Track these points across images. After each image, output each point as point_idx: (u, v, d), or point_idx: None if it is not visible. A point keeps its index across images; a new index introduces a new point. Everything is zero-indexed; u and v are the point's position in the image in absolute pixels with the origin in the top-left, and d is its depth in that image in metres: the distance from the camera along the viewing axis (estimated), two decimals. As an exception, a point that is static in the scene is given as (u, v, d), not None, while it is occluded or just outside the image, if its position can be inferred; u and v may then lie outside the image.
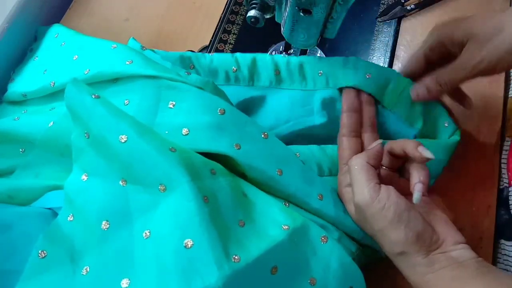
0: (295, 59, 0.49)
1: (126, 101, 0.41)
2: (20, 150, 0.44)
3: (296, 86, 0.49)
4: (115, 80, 0.43)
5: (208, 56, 0.50)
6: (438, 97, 0.46)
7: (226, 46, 0.57)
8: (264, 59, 0.49)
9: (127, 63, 0.42)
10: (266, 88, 0.49)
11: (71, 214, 0.37)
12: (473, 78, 0.42)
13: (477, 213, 0.47)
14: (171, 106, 0.40)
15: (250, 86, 0.49)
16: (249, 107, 0.49)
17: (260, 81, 0.49)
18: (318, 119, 0.47)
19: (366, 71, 0.47)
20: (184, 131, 0.39)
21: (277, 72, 0.49)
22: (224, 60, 0.49)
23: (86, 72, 0.43)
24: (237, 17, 0.59)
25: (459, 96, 0.48)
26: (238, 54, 0.50)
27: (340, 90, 0.48)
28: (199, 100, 0.41)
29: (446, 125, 0.47)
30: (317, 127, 0.47)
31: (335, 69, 0.48)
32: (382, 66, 0.50)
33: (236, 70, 0.49)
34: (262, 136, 0.41)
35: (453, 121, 0.47)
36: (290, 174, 0.40)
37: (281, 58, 0.49)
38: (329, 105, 0.48)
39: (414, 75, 0.47)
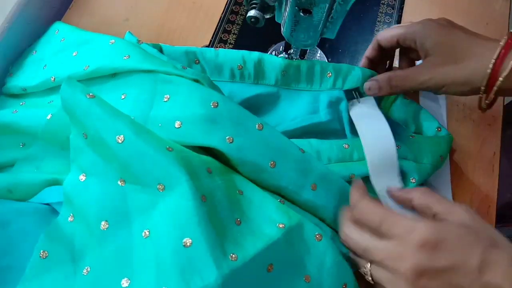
0: (305, 62, 0.49)
1: (123, 96, 0.42)
2: (20, 144, 0.44)
3: (302, 86, 0.50)
4: (114, 74, 0.43)
5: (214, 50, 0.50)
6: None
7: (226, 46, 0.57)
8: (272, 58, 0.49)
9: (125, 58, 0.42)
10: (271, 86, 0.49)
11: (71, 215, 0.37)
12: (422, 90, 0.46)
13: (477, 213, 0.47)
14: (165, 99, 0.40)
15: (255, 84, 0.49)
16: (254, 104, 0.49)
17: (265, 79, 0.50)
18: (324, 116, 0.48)
19: (371, 75, 0.49)
20: (177, 124, 0.39)
21: (284, 72, 0.49)
22: (230, 56, 0.49)
23: (85, 68, 0.43)
24: (237, 17, 0.59)
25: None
26: (244, 51, 0.49)
27: (345, 91, 0.49)
28: (193, 93, 0.41)
29: (438, 130, 0.48)
30: (323, 124, 0.48)
31: (342, 72, 0.49)
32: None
33: (241, 67, 0.49)
34: (257, 127, 0.40)
35: (445, 128, 0.48)
36: (283, 165, 0.40)
37: (291, 61, 0.49)
38: (334, 104, 0.49)
39: (371, 61, 0.50)
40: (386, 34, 0.48)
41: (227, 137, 0.39)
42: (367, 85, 0.47)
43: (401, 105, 0.50)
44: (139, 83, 0.42)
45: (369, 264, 0.36)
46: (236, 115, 0.40)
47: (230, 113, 0.40)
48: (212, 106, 0.39)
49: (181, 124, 0.39)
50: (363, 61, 0.50)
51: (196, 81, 0.42)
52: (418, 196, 0.38)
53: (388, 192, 0.41)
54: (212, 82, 0.45)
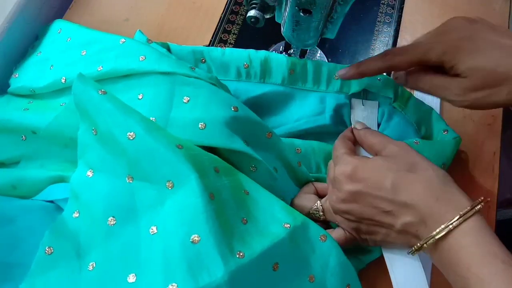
0: (311, 61, 0.49)
1: (140, 95, 0.42)
2: (22, 137, 0.44)
3: (309, 86, 0.49)
4: (127, 74, 0.43)
5: (220, 49, 0.50)
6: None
7: (226, 46, 0.57)
8: (279, 57, 0.49)
9: (141, 59, 0.42)
10: (278, 85, 0.49)
11: (77, 211, 0.37)
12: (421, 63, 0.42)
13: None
14: (185, 101, 0.41)
15: (261, 83, 0.49)
16: (260, 103, 0.49)
17: (272, 78, 0.49)
18: (329, 118, 0.48)
19: (377, 77, 0.49)
20: (201, 125, 0.39)
21: (292, 71, 0.49)
22: (236, 55, 0.50)
23: (99, 69, 0.43)
24: (237, 17, 0.59)
25: None
26: (251, 50, 0.50)
27: (353, 94, 0.49)
28: (214, 96, 0.41)
29: (445, 133, 0.47)
30: (327, 126, 0.48)
31: None
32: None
33: (248, 66, 0.49)
34: (267, 136, 0.42)
35: (452, 130, 0.47)
36: (281, 174, 0.42)
37: (298, 59, 0.49)
38: (341, 109, 0.49)
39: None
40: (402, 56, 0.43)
41: (244, 141, 0.40)
42: (395, 74, 0.46)
43: (414, 105, 0.49)
44: (155, 83, 0.42)
45: (318, 202, 0.41)
46: (251, 122, 0.41)
47: (247, 119, 0.41)
48: (233, 110, 0.40)
49: (205, 125, 0.39)
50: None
51: (212, 84, 0.43)
52: (365, 138, 0.41)
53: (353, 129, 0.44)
54: (221, 82, 0.46)
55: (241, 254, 0.32)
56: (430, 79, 0.42)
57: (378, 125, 0.49)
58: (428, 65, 0.42)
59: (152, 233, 0.34)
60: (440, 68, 0.41)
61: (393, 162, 0.37)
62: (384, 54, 0.44)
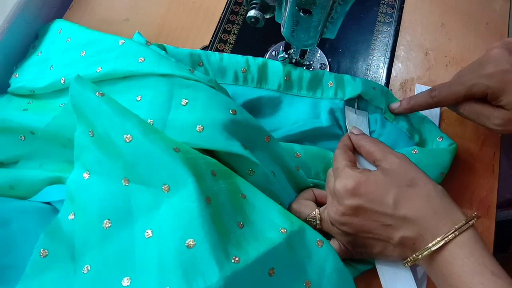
0: (308, 71, 0.50)
1: (138, 97, 0.42)
2: (21, 137, 0.44)
3: (304, 93, 0.50)
4: (127, 76, 0.43)
5: (218, 54, 0.51)
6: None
7: (226, 46, 0.57)
8: (276, 64, 0.50)
9: (140, 60, 0.42)
10: (274, 91, 0.50)
11: (72, 213, 0.37)
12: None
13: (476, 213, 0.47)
14: (183, 103, 0.41)
15: (258, 87, 0.50)
16: (256, 106, 0.50)
17: (268, 84, 0.50)
18: (325, 121, 0.49)
19: (372, 85, 0.50)
20: (199, 128, 0.39)
21: (287, 77, 0.50)
22: (234, 59, 0.50)
23: (98, 70, 0.43)
24: (237, 17, 0.59)
25: None
26: (249, 57, 0.51)
27: (347, 101, 0.50)
28: (212, 99, 0.41)
29: (439, 139, 0.47)
30: (324, 129, 0.48)
31: (344, 83, 0.50)
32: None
33: (245, 71, 0.50)
34: (265, 139, 0.42)
35: (447, 136, 0.48)
36: (280, 177, 0.42)
37: (294, 67, 0.50)
38: (335, 112, 0.49)
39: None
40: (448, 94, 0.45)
41: (242, 145, 0.40)
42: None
43: (405, 115, 0.49)
44: (154, 85, 0.42)
45: (317, 210, 0.41)
46: (250, 125, 0.41)
47: (246, 123, 0.41)
48: (231, 113, 0.40)
49: (203, 128, 0.39)
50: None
51: (211, 87, 0.43)
52: (364, 143, 0.42)
53: (349, 133, 0.45)
54: (220, 86, 0.46)
55: (237, 259, 0.32)
56: (473, 107, 0.44)
57: (371, 133, 0.49)
58: (473, 99, 0.44)
59: (148, 236, 0.33)
60: (483, 98, 0.43)
61: (394, 177, 0.37)
62: (431, 90, 0.46)
